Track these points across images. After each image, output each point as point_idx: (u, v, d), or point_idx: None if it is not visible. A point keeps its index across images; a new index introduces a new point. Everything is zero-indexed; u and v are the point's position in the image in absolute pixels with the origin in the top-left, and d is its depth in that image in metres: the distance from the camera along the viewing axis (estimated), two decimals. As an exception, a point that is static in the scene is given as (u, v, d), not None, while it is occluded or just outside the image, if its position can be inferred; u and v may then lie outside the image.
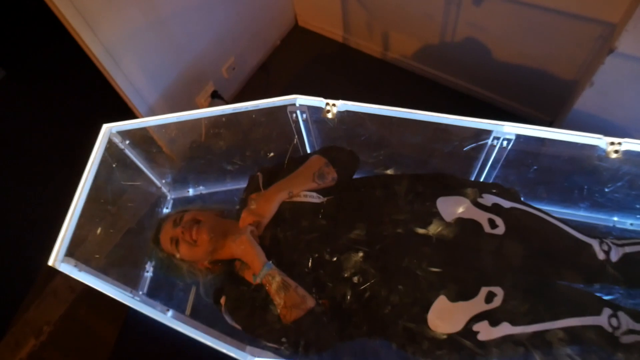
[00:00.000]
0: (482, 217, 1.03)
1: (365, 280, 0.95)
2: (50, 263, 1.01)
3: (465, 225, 1.01)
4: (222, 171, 1.48)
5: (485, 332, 0.92)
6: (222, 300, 1.18)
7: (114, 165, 1.23)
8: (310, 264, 1.00)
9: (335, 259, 0.98)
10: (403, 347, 0.95)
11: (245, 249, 1.07)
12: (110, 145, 1.19)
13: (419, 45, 2.05)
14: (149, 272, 1.43)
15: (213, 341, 1.11)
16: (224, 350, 1.11)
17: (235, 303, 1.14)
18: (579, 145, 1.04)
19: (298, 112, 1.17)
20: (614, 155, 1.01)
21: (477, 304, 0.93)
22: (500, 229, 1.02)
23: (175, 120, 1.16)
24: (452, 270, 0.96)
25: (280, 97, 1.15)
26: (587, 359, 0.94)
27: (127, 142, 1.23)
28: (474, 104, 2.05)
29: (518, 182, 1.25)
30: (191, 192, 1.53)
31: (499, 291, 0.93)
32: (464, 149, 1.15)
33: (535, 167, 1.20)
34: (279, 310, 1.02)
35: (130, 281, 1.31)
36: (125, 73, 1.52)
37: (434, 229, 0.98)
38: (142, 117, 1.63)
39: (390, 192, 1.05)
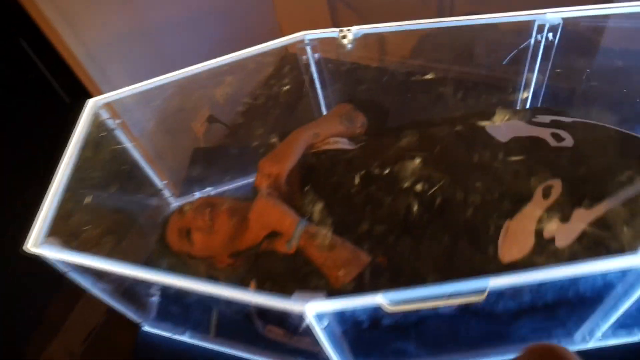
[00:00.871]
0: (544, 133, 0.86)
1: (431, 185, 0.75)
2: (30, 247, 0.79)
3: (525, 142, 0.84)
4: (232, 165, 1.31)
5: None
6: (252, 285, 0.95)
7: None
8: (356, 181, 0.80)
9: (387, 171, 0.78)
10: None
11: (267, 212, 0.87)
12: (98, 127, 1.03)
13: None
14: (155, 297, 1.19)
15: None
16: None
17: (267, 282, 0.92)
18: None
19: (308, 49, 1.03)
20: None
21: None
22: (569, 142, 0.85)
23: (172, 80, 1.01)
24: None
25: (285, 37, 1.01)
26: None
27: (119, 121, 1.06)
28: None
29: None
30: (197, 195, 1.34)
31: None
32: (508, 57, 0.99)
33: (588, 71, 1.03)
34: (327, 274, 0.80)
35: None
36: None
37: (499, 118, 0.80)
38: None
39: (435, 96, 0.88)
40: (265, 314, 0.95)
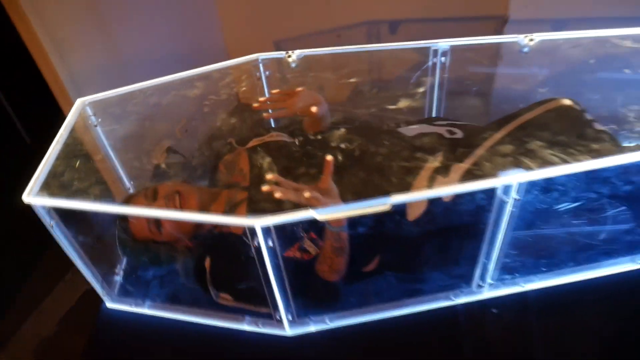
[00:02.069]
0: (442, 130, 1.15)
1: (352, 144, 1.00)
2: (25, 198, 0.95)
3: (427, 134, 1.13)
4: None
5: None
6: (207, 262, 1.12)
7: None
8: (297, 144, 1.03)
9: (319, 137, 1.03)
10: (402, 180, 0.96)
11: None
12: (82, 125, 1.22)
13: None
14: (118, 276, 1.32)
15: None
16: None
17: (226, 260, 1.09)
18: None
19: (261, 67, 1.30)
20: (530, 43, 1.21)
21: None
22: (459, 135, 1.14)
23: (153, 84, 1.23)
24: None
25: (243, 57, 1.29)
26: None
27: (100, 119, 1.27)
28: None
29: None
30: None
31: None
32: (415, 76, 1.31)
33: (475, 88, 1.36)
34: (318, 266, 1.01)
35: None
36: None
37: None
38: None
39: (356, 93, 1.16)
40: (218, 283, 1.12)
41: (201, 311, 1.17)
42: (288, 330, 1.12)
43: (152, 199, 1.14)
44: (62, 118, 1.13)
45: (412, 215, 1.04)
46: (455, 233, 1.05)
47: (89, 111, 1.23)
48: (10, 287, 1.65)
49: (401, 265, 1.13)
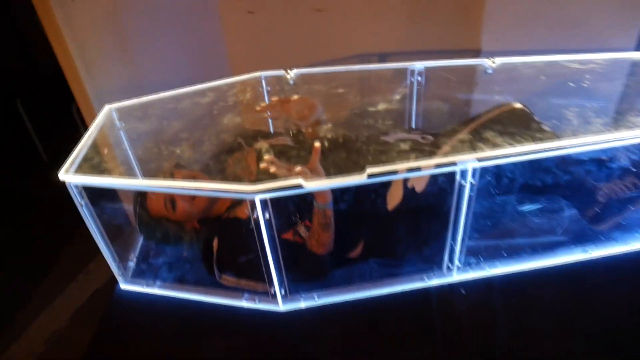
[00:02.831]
0: (416, 136, 1.36)
1: (337, 134, 1.20)
2: (61, 176, 1.13)
3: (403, 140, 1.34)
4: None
5: None
6: (215, 243, 1.28)
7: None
8: (290, 135, 1.23)
9: (310, 130, 1.23)
10: (378, 159, 1.15)
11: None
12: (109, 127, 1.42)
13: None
14: (132, 262, 1.47)
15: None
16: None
17: (231, 240, 1.26)
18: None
19: (264, 83, 1.52)
20: (492, 65, 1.43)
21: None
22: (430, 139, 1.35)
23: (170, 95, 1.44)
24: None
25: (245, 74, 1.51)
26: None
27: (123, 124, 1.47)
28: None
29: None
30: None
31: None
32: (396, 93, 1.52)
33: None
34: (308, 240, 1.19)
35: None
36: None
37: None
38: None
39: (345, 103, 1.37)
40: (223, 263, 1.28)
41: (205, 290, 1.32)
42: (281, 305, 1.27)
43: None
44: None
45: (391, 204, 1.23)
46: (426, 219, 1.23)
47: (115, 115, 1.43)
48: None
49: (382, 250, 1.30)
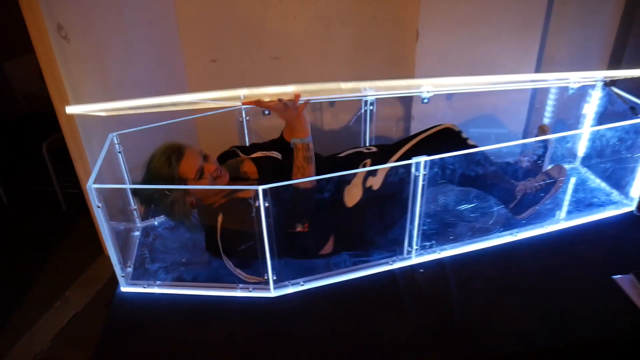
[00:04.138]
0: (362, 149, 1.70)
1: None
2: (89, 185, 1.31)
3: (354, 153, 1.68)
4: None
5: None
6: (219, 218, 1.44)
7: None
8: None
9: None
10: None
11: (300, 117, 1.41)
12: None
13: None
14: (130, 268, 1.61)
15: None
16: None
17: (235, 213, 1.44)
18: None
19: (243, 113, 1.79)
20: (428, 95, 1.81)
21: None
22: (374, 150, 1.69)
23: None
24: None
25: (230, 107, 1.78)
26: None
27: (122, 148, 1.67)
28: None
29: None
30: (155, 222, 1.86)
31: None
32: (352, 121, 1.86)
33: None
34: (294, 175, 1.42)
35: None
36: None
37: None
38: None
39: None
40: (226, 238, 1.44)
41: (202, 285, 1.50)
42: (272, 291, 1.47)
43: (204, 159, 1.45)
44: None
45: (350, 202, 1.51)
46: (386, 211, 1.52)
47: (116, 141, 1.64)
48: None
49: (350, 242, 1.56)
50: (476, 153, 1.49)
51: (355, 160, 1.61)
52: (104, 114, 1.50)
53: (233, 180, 1.51)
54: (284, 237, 1.43)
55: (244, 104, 1.58)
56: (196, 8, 2.19)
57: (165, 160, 1.40)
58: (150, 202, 1.50)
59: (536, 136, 1.86)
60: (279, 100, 1.40)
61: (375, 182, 1.51)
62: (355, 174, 1.53)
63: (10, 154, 2.97)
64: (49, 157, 2.59)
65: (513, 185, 1.67)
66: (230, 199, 1.47)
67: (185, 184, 1.40)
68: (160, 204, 1.44)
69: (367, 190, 1.50)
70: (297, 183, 1.39)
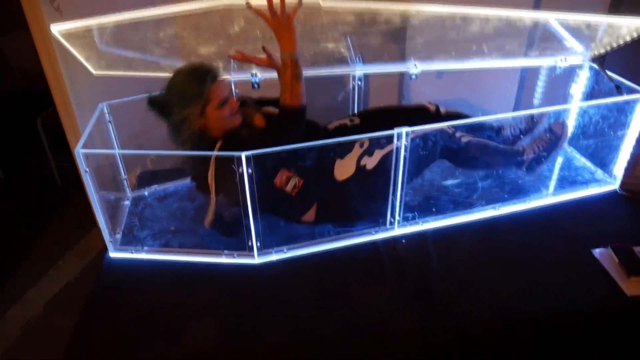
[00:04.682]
0: (346, 121, 1.72)
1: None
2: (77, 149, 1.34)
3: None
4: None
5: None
6: (218, 144, 1.46)
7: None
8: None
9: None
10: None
11: (290, 26, 1.32)
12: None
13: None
14: (119, 235, 1.65)
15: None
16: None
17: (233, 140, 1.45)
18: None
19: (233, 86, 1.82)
20: (415, 71, 1.83)
21: None
22: (357, 121, 1.71)
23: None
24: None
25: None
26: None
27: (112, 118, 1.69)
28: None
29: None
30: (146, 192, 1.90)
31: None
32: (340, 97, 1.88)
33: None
34: (282, 94, 1.39)
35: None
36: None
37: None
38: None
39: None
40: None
41: (189, 251, 1.54)
42: (256, 258, 1.51)
43: (230, 92, 1.49)
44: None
45: (340, 177, 1.53)
46: (375, 187, 1.54)
47: (106, 110, 1.66)
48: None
49: (332, 214, 1.60)
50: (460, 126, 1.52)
51: (344, 134, 1.62)
52: (94, 26, 1.45)
53: (242, 127, 1.52)
54: (270, 192, 1.46)
55: (229, 56, 1.55)
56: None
57: (198, 77, 1.40)
58: (165, 111, 1.45)
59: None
60: (263, 48, 1.43)
61: (370, 162, 1.52)
62: (350, 149, 1.55)
63: (5, 128, 3.00)
64: (43, 132, 2.62)
65: (515, 150, 1.73)
66: (233, 137, 1.47)
67: (205, 107, 1.41)
68: (173, 116, 1.42)
69: (359, 168, 1.52)
70: (283, 101, 1.40)
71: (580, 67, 1.90)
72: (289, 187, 1.50)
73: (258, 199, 1.39)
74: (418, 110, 1.73)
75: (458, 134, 1.57)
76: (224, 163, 1.37)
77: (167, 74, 1.46)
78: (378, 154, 1.51)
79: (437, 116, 1.70)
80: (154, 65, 1.67)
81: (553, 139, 1.72)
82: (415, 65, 1.79)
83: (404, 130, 1.41)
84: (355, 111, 1.91)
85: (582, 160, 1.98)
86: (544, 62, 1.92)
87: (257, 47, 1.51)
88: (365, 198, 1.57)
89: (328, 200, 1.57)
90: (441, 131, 1.52)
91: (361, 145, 1.54)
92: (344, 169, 1.54)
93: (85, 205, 1.90)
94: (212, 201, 1.46)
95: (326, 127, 1.71)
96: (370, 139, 1.51)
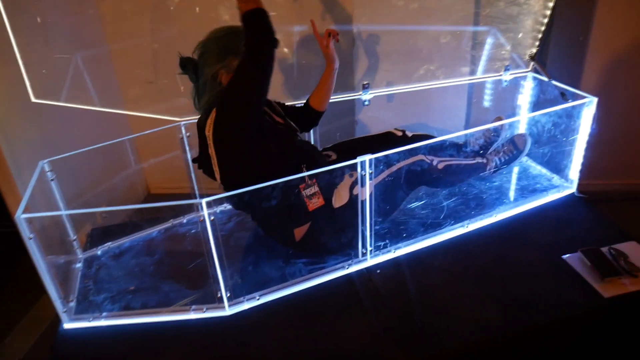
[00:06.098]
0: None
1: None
2: (18, 216, 1.22)
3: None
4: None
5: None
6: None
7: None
8: None
9: None
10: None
11: None
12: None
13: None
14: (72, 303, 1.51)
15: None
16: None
17: None
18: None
19: (183, 129, 1.74)
20: (369, 97, 1.83)
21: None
22: (334, 156, 1.68)
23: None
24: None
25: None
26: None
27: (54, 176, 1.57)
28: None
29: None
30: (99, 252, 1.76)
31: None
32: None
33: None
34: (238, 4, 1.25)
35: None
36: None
37: None
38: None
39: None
40: None
41: (153, 311, 1.42)
42: (227, 309, 1.41)
43: None
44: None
45: (337, 204, 1.49)
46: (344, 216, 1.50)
47: (47, 168, 1.54)
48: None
49: (318, 239, 1.52)
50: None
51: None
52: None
53: None
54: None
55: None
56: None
57: (239, 32, 1.31)
58: (201, 61, 1.41)
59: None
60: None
61: (362, 193, 1.47)
62: (342, 176, 1.51)
63: None
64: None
65: (481, 164, 1.77)
66: None
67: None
68: (207, 68, 1.38)
69: (352, 197, 1.49)
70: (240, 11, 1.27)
71: (524, 78, 1.96)
72: (311, 202, 1.45)
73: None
74: (386, 136, 1.72)
75: (435, 162, 1.59)
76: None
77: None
78: (372, 186, 1.48)
79: (405, 140, 1.70)
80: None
81: (515, 152, 1.75)
82: (366, 88, 1.78)
83: (367, 158, 1.38)
84: (318, 144, 1.88)
85: (538, 168, 2.02)
86: (489, 77, 1.97)
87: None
88: (354, 225, 1.51)
89: (320, 223, 1.50)
90: (421, 161, 1.56)
91: (350, 176, 1.51)
92: (340, 196, 1.50)
93: (32, 272, 1.75)
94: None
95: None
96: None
